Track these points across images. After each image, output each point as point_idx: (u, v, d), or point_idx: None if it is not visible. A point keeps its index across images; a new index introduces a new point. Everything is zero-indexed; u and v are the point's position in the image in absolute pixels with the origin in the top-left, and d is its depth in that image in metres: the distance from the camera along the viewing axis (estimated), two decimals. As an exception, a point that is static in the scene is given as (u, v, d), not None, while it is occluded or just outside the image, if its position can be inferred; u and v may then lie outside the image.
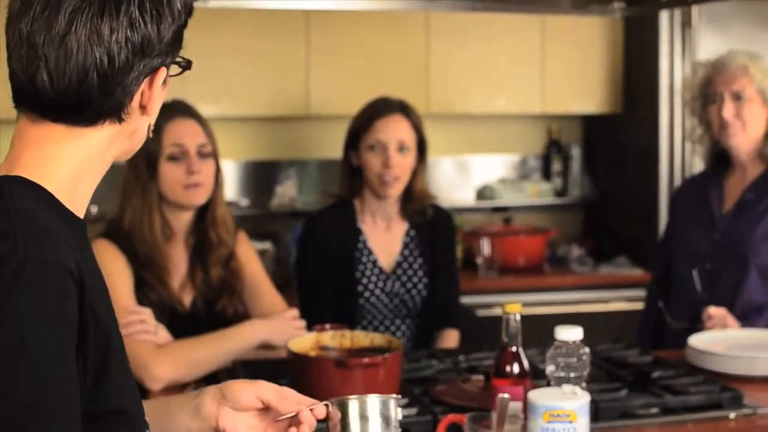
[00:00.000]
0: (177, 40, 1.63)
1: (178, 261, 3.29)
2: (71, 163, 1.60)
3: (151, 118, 1.66)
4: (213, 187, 3.30)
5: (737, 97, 3.61)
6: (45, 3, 1.55)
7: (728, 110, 3.61)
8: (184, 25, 1.64)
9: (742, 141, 3.64)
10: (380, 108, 3.78)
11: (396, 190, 3.74)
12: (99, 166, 1.64)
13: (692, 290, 3.62)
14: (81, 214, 1.64)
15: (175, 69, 1.66)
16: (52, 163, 1.59)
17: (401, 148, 3.71)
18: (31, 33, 1.55)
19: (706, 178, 3.85)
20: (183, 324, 3.15)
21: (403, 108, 3.78)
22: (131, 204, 3.21)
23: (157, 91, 1.63)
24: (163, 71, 1.62)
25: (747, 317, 3.49)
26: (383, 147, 3.70)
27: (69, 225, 1.57)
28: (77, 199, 1.62)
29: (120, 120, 1.61)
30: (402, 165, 3.71)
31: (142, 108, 1.62)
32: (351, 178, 3.80)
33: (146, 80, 1.60)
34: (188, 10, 1.64)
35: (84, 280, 1.50)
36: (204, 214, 3.32)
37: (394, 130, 3.72)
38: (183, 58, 1.67)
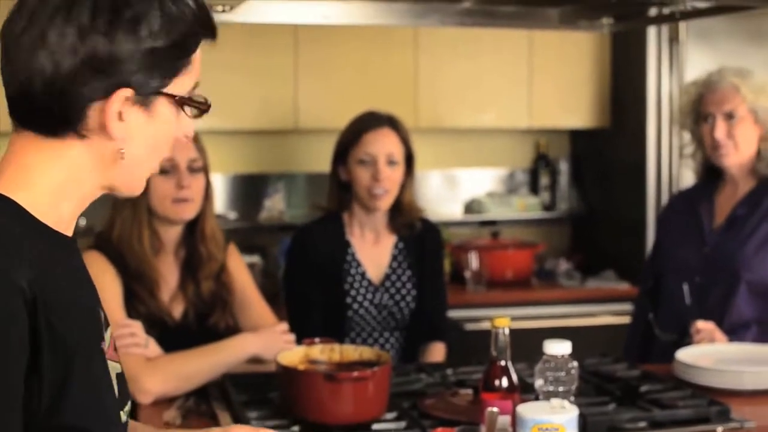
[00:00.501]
0: (156, 66, 1.59)
1: (168, 274, 3.29)
2: (46, 176, 1.59)
3: (124, 144, 1.60)
4: (202, 202, 3.30)
5: (729, 117, 3.61)
6: (20, 4, 1.57)
7: (720, 131, 3.62)
8: (173, 51, 1.60)
9: (735, 160, 3.65)
10: (368, 122, 3.78)
11: (385, 203, 3.74)
12: (79, 187, 1.62)
13: (681, 303, 3.62)
14: (67, 232, 1.64)
15: (191, 109, 1.65)
16: (28, 173, 1.59)
17: (390, 162, 3.72)
18: (3, 34, 1.58)
19: (696, 193, 3.86)
20: (173, 337, 3.15)
21: (391, 121, 3.79)
22: (121, 216, 3.21)
23: (114, 115, 1.57)
24: (122, 93, 1.57)
25: (735, 332, 3.50)
26: (372, 160, 3.70)
27: (39, 239, 1.56)
28: (58, 216, 1.61)
29: (80, 136, 1.59)
30: (391, 178, 3.72)
31: (102, 128, 1.58)
32: (339, 192, 3.81)
33: (105, 99, 1.57)
34: (178, 36, 1.60)
35: (38, 297, 1.49)
36: (194, 228, 3.32)
37: (383, 144, 3.73)
38: (193, 100, 1.65)
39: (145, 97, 1.60)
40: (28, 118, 1.60)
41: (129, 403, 1.80)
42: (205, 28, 1.65)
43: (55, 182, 1.60)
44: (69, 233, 1.65)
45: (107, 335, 1.73)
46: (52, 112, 1.57)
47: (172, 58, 1.60)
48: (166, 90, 1.61)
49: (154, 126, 1.62)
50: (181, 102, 1.63)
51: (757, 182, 3.66)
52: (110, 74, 1.56)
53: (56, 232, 1.60)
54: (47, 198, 1.59)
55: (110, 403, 1.65)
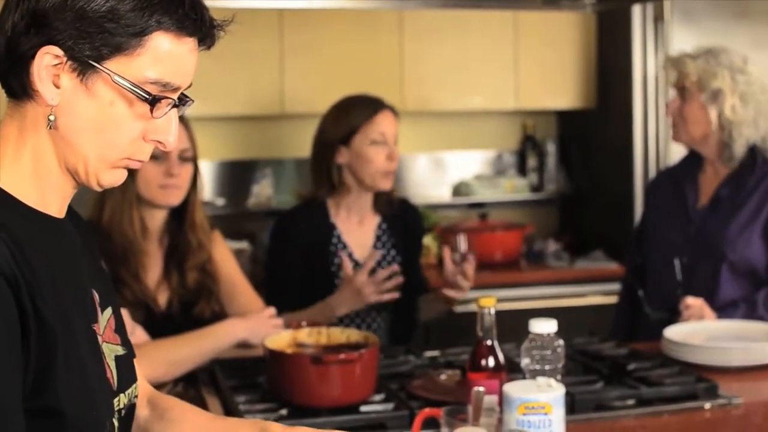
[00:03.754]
0: (91, 32, 1.54)
1: (153, 260, 3.28)
2: (20, 148, 1.59)
3: (57, 113, 1.57)
4: (189, 190, 3.30)
5: (682, 96, 3.65)
6: None
7: (671, 107, 3.71)
8: (110, 22, 1.54)
9: (683, 138, 3.71)
10: (376, 103, 3.79)
11: (392, 181, 3.80)
12: (43, 159, 1.60)
13: (671, 280, 3.63)
14: (59, 214, 1.63)
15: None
16: (4, 148, 1.60)
17: (395, 142, 3.77)
18: None
19: (680, 171, 3.86)
20: (158, 324, 3.15)
21: (389, 104, 3.82)
22: (111, 199, 3.20)
23: (42, 74, 1.55)
24: (48, 50, 1.54)
25: (723, 310, 3.51)
26: (386, 140, 3.73)
27: (18, 218, 1.55)
28: (41, 194, 1.61)
29: (29, 96, 1.58)
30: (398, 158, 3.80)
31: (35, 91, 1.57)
32: (336, 176, 3.79)
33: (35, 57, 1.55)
34: (122, 8, 1.55)
35: (20, 277, 1.49)
36: (179, 216, 3.32)
37: (393, 124, 3.78)
38: (135, 86, 1.58)
39: (81, 66, 1.56)
40: (1, 81, 1.62)
41: (134, 385, 1.79)
42: (170, 15, 1.59)
43: (27, 154, 1.59)
44: (60, 215, 1.65)
45: (104, 317, 1.72)
46: (4, 70, 1.58)
47: (111, 30, 1.55)
48: (103, 66, 1.56)
49: (93, 106, 1.58)
50: (121, 84, 1.57)
51: (730, 170, 3.68)
52: (39, 30, 1.53)
53: (38, 212, 1.60)
54: (26, 173, 1.59)
55: (95, 387, 1.63)
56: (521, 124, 6.29)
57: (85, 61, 1.55)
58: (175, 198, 3.27)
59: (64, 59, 1.55)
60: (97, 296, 1.70)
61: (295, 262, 3.75)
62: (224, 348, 3.09)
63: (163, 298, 3.27)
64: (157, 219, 3.30)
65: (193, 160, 3.31)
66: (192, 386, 2.99)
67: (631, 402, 2.73)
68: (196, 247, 3.32)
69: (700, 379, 2.83)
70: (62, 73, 1.56)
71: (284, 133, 5.88)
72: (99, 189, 1.67)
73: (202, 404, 2.82)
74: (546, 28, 5.81)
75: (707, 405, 2.72)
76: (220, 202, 5.75)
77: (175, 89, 1.63)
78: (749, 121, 3.58)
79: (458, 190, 6.16)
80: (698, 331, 3.31)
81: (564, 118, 6.31)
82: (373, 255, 3.52)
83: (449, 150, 6.25)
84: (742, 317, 3.48)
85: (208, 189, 5.66)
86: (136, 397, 1.79)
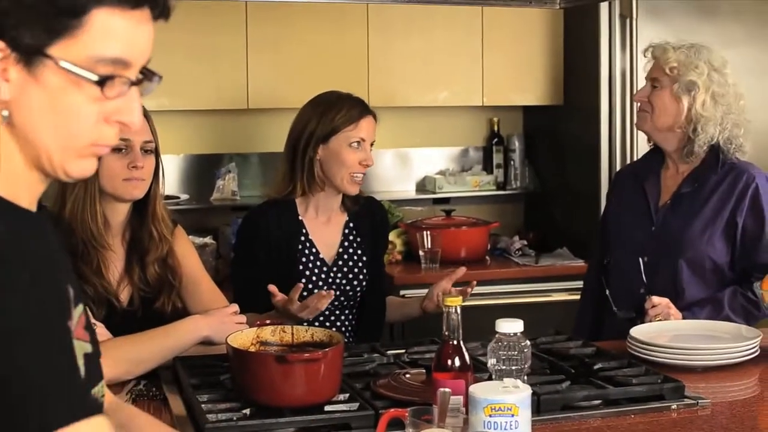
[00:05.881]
0: (28, 19, 1.49)
1: (115, 256, 3.25)
2: None
3: (10, 108, 1.52)
4: (151, 182, 3.27)
5: (654, 85, 3.66)
6: None
7: (640, 93, 3.73)
8: (46, 4, 1.49)
9: (648, 126, 3.72)
10: (362, 106, 3.81)
11: (359, 187, 3.82)
12: (9, 156, 1.55)
13: (636, 279, 3.63)
14: (24, 204, 1.59)
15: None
16: None
17: (370, 149, 3.81)
18: None
19: (642, 168, 3.87)
20: (120, 321, 3.12)
21: (371, 109, 3.85)
22: (72, 193, 3.16)
23: None
24: None
25: (690, 309, 3.51)
26: (363, 145, 3.75)
27: None
28: (12, 189, 1.56)
29: None
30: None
31: None
32: (308, 173, 3.77)
33: None
34: None
35: None
36: (141, 209, 3.29)
37: (372, 131, 3.81)
38: (79, 70, 1.52)
39: (26, 57, 1.51)
40: None
41: (101, 383, 1.75)
42: None
43: None
44: (32, 208, 1.61)
45: (76, 312, 1.68)
46: None
47: (46, 13, 1.50)
48: (47, 52, 1.51)
49: (45, 95, 1.53)
50: (66, 69, 1.51)
51: (692, 166, 3.68)
52: None
53: (13, 204, 1.55)
54: None
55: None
56: (487, 119, 6.28)
57: (27, 50, 1.51)
58: (139, 191, 3.24)
59: (8, 51, 1.50)
60: (71, 292, 1.66)
61: (263, 257, 3.73)
62: (187, 346, 3.06)
63: (125, 295, 3.24)
64: (119, 213, 3.27)
65: (155, 152, 3.27)
66: (154, 384, 2.96)
67: (597, 402, 2.71)
68: (158, 240, 3.29)
69: (667, 379, 2.82)
70: (9, 66, 1.51)
71: (249, 128, 5.85)
72: (70, 180, 1.62)
73: (165, 403, 2.79)
74: (513, 23, 5.80)
75: (674, 405, 2.71)
76: (184, 196, 5.71)
77: (129, 66, 1.58)
78: (716, 120, 3.58)
79: (423, 185, 6.15)
80: (664, 331, 3.31)
81: (530, 114, 6.30)
82: (298, 288, 3.46)
83: (414, 145, 6.23)
84: (708, 316, 3.49)
85: (171, 183, 5.62)
86: (102, 396, 1.75)
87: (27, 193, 1.60)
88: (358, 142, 3.73)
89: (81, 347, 1.63)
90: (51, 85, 1.53)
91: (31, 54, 1.51)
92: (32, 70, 1.51)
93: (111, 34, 1.54)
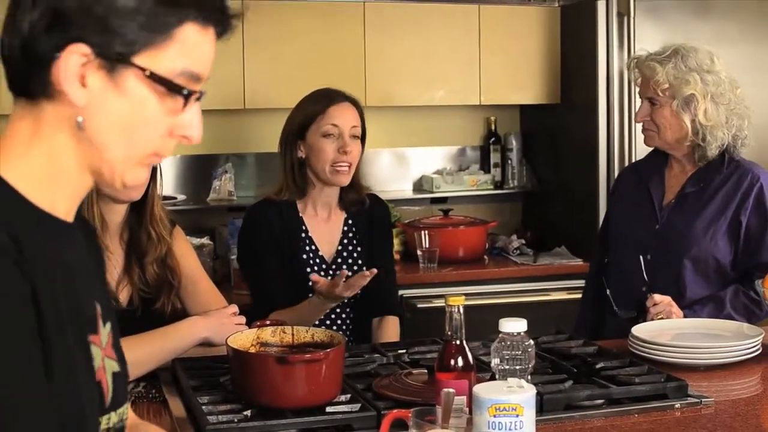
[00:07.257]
0: (117, 27, 1.48)
1: (114, 257, 3.23)
2: (33, 148, 1.52)
3: (85, 114, 1.50)
4: (149, 183, 3.25)
5: (652, 103, 3.64)
6: None
7: (640, 114, 3.70)
8: (137, 15, 1.48)
9: (658, 143, 3.71)
10: (332, 95, 3.78)
11: (348, 177, 3.75)
12: (60, 161, 1.53)
13: (638, 278, 3.61)
14: (59, 213, 1.56)
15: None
16: (13, 142, 1.53)
17: (353, 136, 3.74)
18: None
19: (646, 167, 3.86)
20: (119, 322, 3.09)
21: (350, 98, 3.80)
22: None
23: (69, 74, 1.47)
24: (75, 49, 1.47)
25: (692, 308, 3.50)
26: (338, 133, 3.71)
27: (20, 216, 1.49)
28: (51, 195, 1.54)
29: (49, 98, 1.50)
30: (354, 152, 3.74)
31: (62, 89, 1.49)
32: (298, 173, 3.75)
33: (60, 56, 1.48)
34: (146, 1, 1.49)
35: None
36: (139, 210, 3.27)
37: (348, 117, 3.74)
38: (168, 81, 1.53)
39: (109, 63, 1.49)
40: (9, 82, 1.54)
41: (125, 405, 1.72)
42: (198, 5, 1.55)
43: (38, 153, 1.52)
44: (67, 218, 1.58)
45: (105, 330, 1.65)
46: (19, 71, 1.51)
47: (138, 24, 1.49)
48: (134, 60, 1.50)
49: (125, 104, 1.51)
50: (154, 79, 1.51)
51: (701, 163, 3.67)
52: (63, 28, 1.47)
53: (46, 213, 1.53)
54: (34, 173, 1.52)
55: (85, 402, 1.54)
56: (484, 119, 6.26)
57: (115, 57, 1.49)
58: (137, 192, 3.21)
59: (92, 57, 1.48)
60: (99, 308, 1.64)
61: (269, 251, 3.72)
62: (187, 347, 3.05)
63: (124, 295, 3.21)
64: (117, 214, 3.24)
65: None
66: (153, 386, 2.94)
67: (600, 401, 2.70)
68: (156, 240, 3.27)
69: (670, 378, 2.81)
70: (89, 72, 1.49)
71: (245, 128, 5.83)
72: (122, 189, 1.60)
73: (164, 404, 2.78)
74: (510, 22, 5.78)
75: (677, 404, 2.70)
76: (181, 197, 5.68)
77: (200, 81, 1.59)
78: (722, 123, 3.57)
79: (420, 185, 6.14)
80: (665, 330, 3.30)
81: (528, 113, 6.28)
82: (343, 275, 3.46)
83: (412, 145, 6.21)
84: (710, 315, 3.48)
85: (168, 184, 5.60)
86: (126, 418, 1.72)
87: (67, 200, 1.58)
88: (332, 131, 3.70)
89: (110, 366, 1.61)
90: (133, 94, 1.51)
91: (117, 61, 1.49)
92: (114, 77, 1.50)
93: (194, 49, 1.56)
